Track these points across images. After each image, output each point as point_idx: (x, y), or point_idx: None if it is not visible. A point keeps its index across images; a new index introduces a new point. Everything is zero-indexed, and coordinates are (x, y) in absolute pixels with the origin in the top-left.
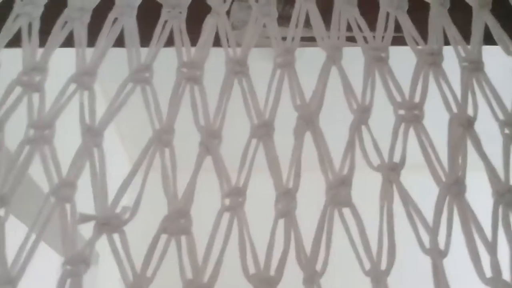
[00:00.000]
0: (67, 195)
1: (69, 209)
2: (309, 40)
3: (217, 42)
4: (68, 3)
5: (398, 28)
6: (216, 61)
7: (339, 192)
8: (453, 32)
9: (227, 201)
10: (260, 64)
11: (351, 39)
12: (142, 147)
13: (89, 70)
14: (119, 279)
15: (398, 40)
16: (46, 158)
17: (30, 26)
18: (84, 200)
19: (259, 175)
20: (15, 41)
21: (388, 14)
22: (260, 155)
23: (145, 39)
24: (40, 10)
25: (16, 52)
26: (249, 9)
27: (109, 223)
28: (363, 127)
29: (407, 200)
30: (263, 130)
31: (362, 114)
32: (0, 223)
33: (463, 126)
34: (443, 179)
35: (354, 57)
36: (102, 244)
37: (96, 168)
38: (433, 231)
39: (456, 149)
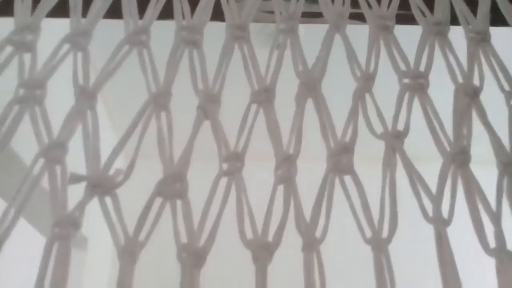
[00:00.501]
0: (58, 156)
1: (59, 171)
2: (312, 16)
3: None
4: None
5: (405, 4)
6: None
7: (340, 159)
8: (459, 3)
9: (225, 166)
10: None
11: (356, 15)
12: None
13: (84, 30)
14: (111, 257)
15: (405, 17)
16: (36, 118)
17: None
18: (77, 164)
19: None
20: (7, 7)
21: None
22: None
23: (142, 7)
24: None
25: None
26: None
27: (101, 184)
28: (367, 96)
29: (410, 168)
30: (263, 96)
31: (366, 81)
32: None
33: (468, 96)
34: (448, 149)
35: (358, 31)
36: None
37: (88, 130)
38: (437, 200)
39: (462, 119)
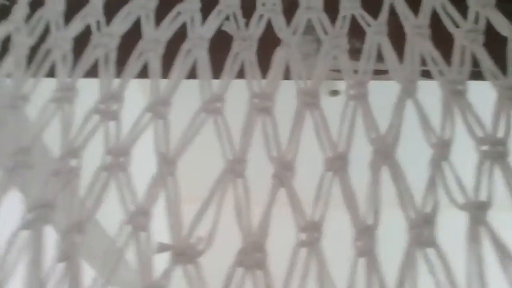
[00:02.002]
0: (143, 223)
1: (144, 238)
2: (379, 74)
3: (287, 75)
4: (143, 35)
5: (474, 62)
6: (286, 94)
7: (422, 232)
8: None
9: (303, 236)
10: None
11: (425, 73)
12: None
13: (164, 100)
14: None
15: (475, 75)
16: (121, 185)
17: (106, 56)
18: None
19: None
20: (92, 71)
21: (463, 47)
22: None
23: (216, 71)
24: (116, 42)
25: (92, 82)
26: (314, 43)
27: (185, 253)
28: (443, 163)
29: (497, 243)
30: (338, 164)
31: (442, 148)
32: (76, 249)
33: None
34: None
35: (427, 92)
36: None
37: (171, 197)
38: None
39: None
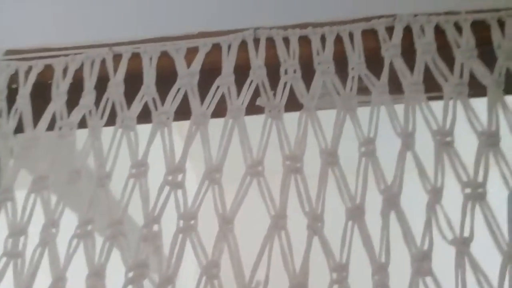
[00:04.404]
0: (215, 274)
1: (217, 285)
2: None
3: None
4: (192, 110)
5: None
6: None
7: (422, 265)
8: (509, 115)
9: (334, 275)
10: None
11: None
12: None
13: (217, 167)
14: None
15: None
16: (194, 244)
17: (168, 131)
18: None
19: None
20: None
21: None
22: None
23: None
24: (172, 118)
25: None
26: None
27: None
28: (437, 207)
29: (476, 269)
30: (356, 213)
31: (435, 195)
32: None
33: None
34: (505, 248)
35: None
36: None
37: (232, 250)
38: None
39: None
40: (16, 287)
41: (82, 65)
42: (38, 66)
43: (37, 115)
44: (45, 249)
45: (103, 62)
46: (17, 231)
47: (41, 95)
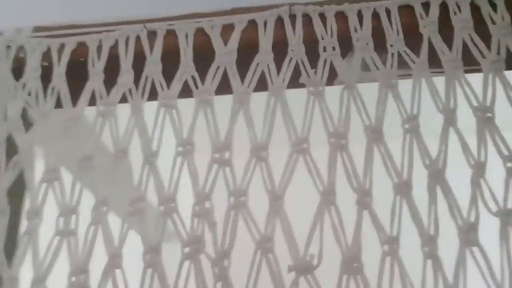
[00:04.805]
0: (269, 248)
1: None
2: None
3: None
4: (234, 89)
5: None
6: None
7: (469, 235)
8: None
9: (385, 247)
10: None
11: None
12: None
13: (264, 145)
14: None
15: None
16: (246, 218)
17: (211, 109)
18: None
19: None
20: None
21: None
22: None
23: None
24: (213, 96)
25: None
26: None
27: (304, 267)
28: (481, 180)
29: None
30: (404, 189)
31: (479, 169)
32: (226, 272)
33: None
34: None
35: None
36: None
37: (284, 224)
38: None
39: None
40: (72, 265)
41: (116, 42)
42: (71, 44)
43: (71, 93)
44: (98, 227)
45: (137, 39)
46: (68, 210)
47: (73, 74)
